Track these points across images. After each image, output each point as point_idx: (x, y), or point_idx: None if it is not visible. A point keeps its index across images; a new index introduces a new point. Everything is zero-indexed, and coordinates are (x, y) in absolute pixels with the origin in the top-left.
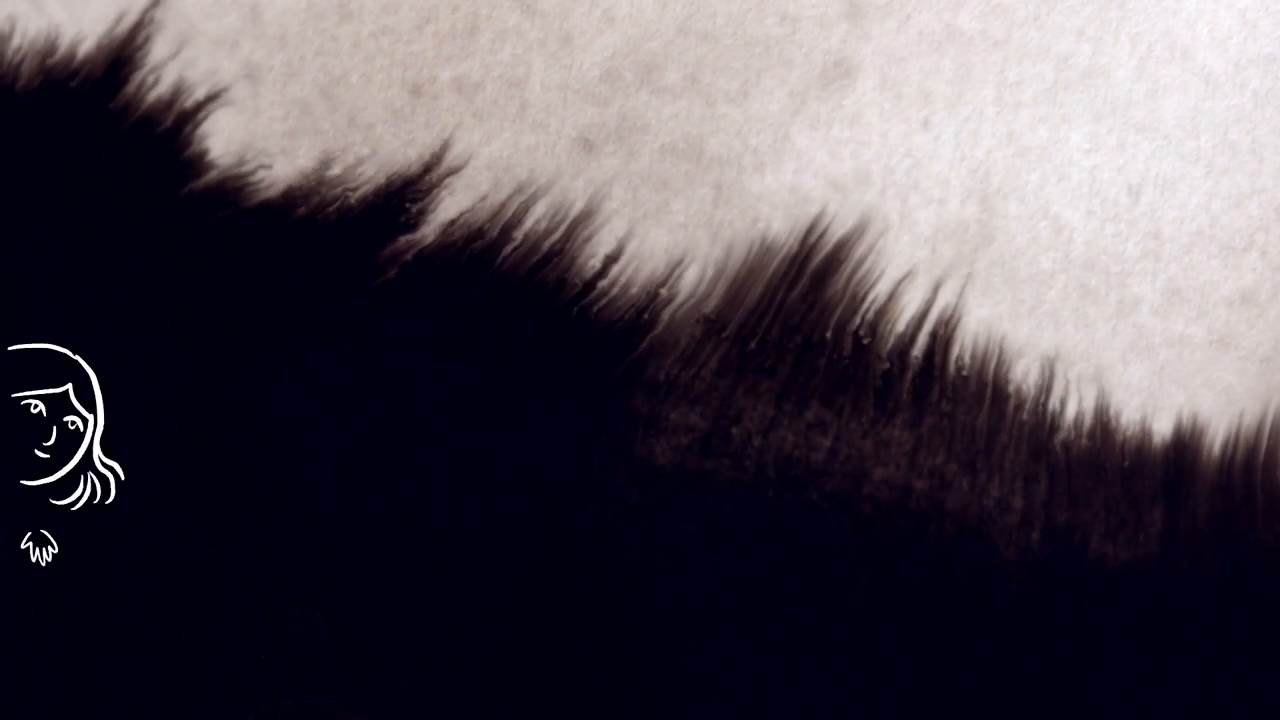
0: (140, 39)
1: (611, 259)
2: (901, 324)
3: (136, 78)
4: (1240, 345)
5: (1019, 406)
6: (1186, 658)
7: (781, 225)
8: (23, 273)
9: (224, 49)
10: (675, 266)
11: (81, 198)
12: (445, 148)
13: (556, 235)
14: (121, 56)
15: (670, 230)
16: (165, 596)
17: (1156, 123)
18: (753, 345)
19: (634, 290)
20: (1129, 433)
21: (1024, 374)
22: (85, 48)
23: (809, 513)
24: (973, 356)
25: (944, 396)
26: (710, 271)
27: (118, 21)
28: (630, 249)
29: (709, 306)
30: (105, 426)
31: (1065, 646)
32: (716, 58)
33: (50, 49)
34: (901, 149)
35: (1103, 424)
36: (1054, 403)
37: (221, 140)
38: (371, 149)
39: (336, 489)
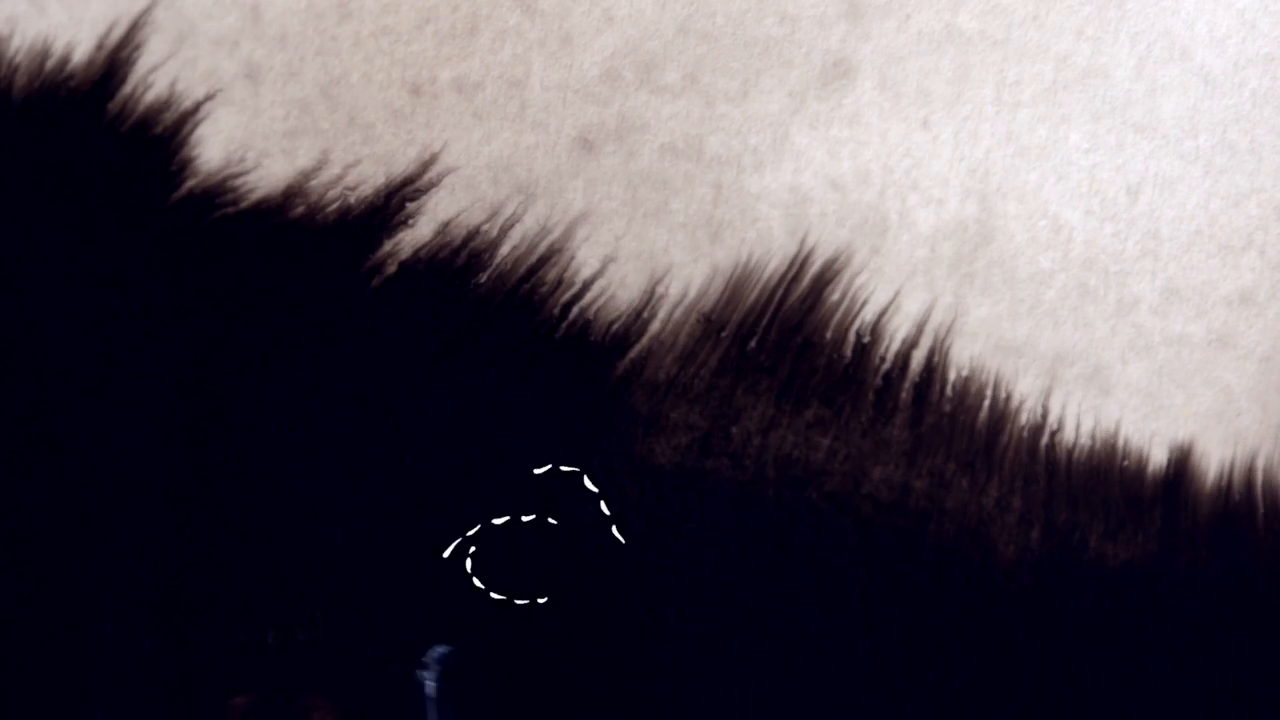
0: (132, 46)
1: (610, 259)
2: (902, 325)
3: (130, 83)
4: (1239, 344)
5: (1019, 407)
6: (1186, 658)
7: (781, 226)
8: (23, 273)
9: (224, 49)
10: (671, 268)
11: (81, 199)
12: (441, 150)
13: (554, 236)
14: (115, 62)
15: (670, 229)
16: (165, 596)
17: (1155, 122)
18: (752, 344)
19: (631, 291)
20: (1130, 442)
21: (1024, 375)
22: (79, 54)
23: (809, 513)
24: (972, 357)
25: (944, 397)
26: (710, 272)
27: (111, 28)
28: (628, 248)
29: (709, 306)
30: (105, 427)
31: (1065, 646)
32: (716, 58)
33: (45, 56)
34: (901, 148)
35: (1103, 431)
36: (1054, 405)
37: (221, 140)
38: (369, 149)
39: (336, 489)
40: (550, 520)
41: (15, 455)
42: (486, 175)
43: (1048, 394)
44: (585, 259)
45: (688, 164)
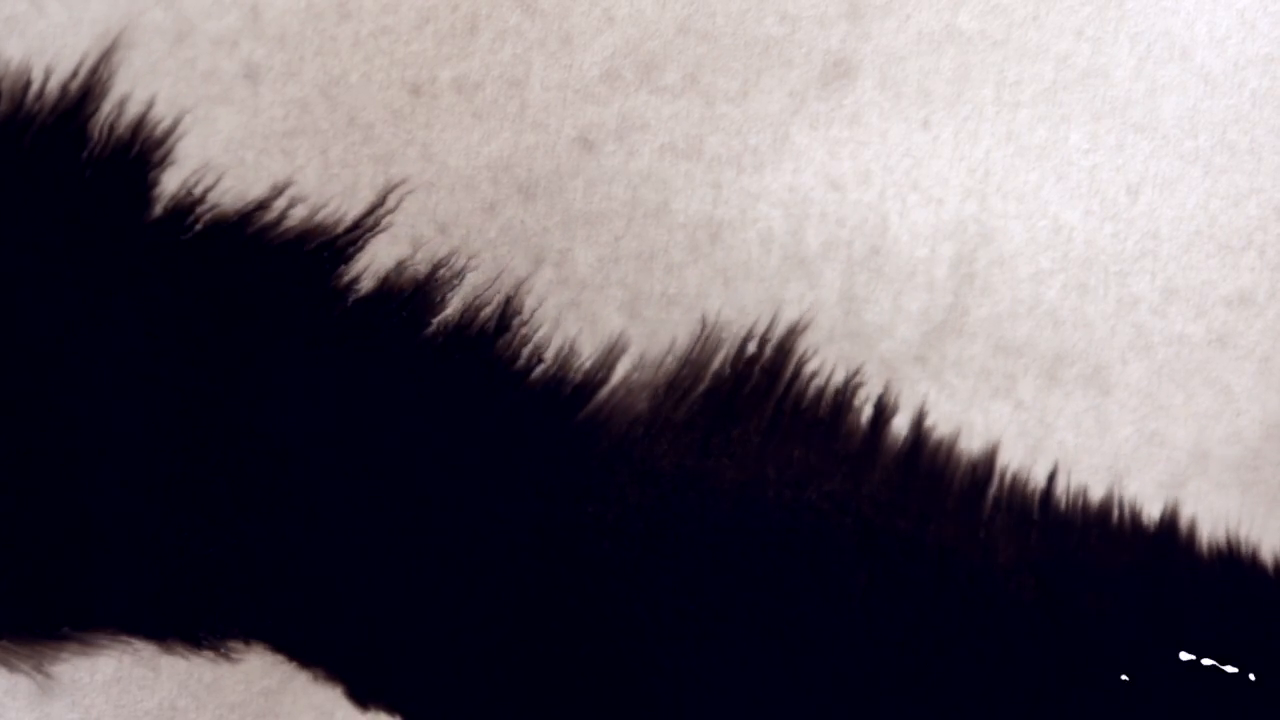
0: (130, 47)
1: (609, 259)
2: (902, 328)
3: (125, 86)
4: (1238, 344)
5: (1019, 408)
6: (1186, 657)
7: (782, 226)
8: (22, 275)
9: (224, 49)
10: (671, 269)
11: (78, 202)
12: (441, 150)
13: (552, 236)
14: (110, 66)
15: (670, 230)
16: (165, 596)
17: (1155, 122)
18: (752, 346)
19: (631, 292)
20: (1130, 443)
21: (1024, 376)
22: (73, 57)
23: (809, 513)
24: (972, 358)
25: (940, 396)
26: (710, 274)
27: (109, 30)
28: (628, 248)
29: (708, 307)
30: (104, 427)
31: (1065, 646)
32: (716, 57)
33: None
34: (901, 148)
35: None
36: (1053, 405)
37: (219, 141)
38: (369, 149)
39: (336, 489)
40: None
41: (15, 456)
42: (486, 175)
43: (1047, 394)
44: (584, 260)
45: (688, 164)
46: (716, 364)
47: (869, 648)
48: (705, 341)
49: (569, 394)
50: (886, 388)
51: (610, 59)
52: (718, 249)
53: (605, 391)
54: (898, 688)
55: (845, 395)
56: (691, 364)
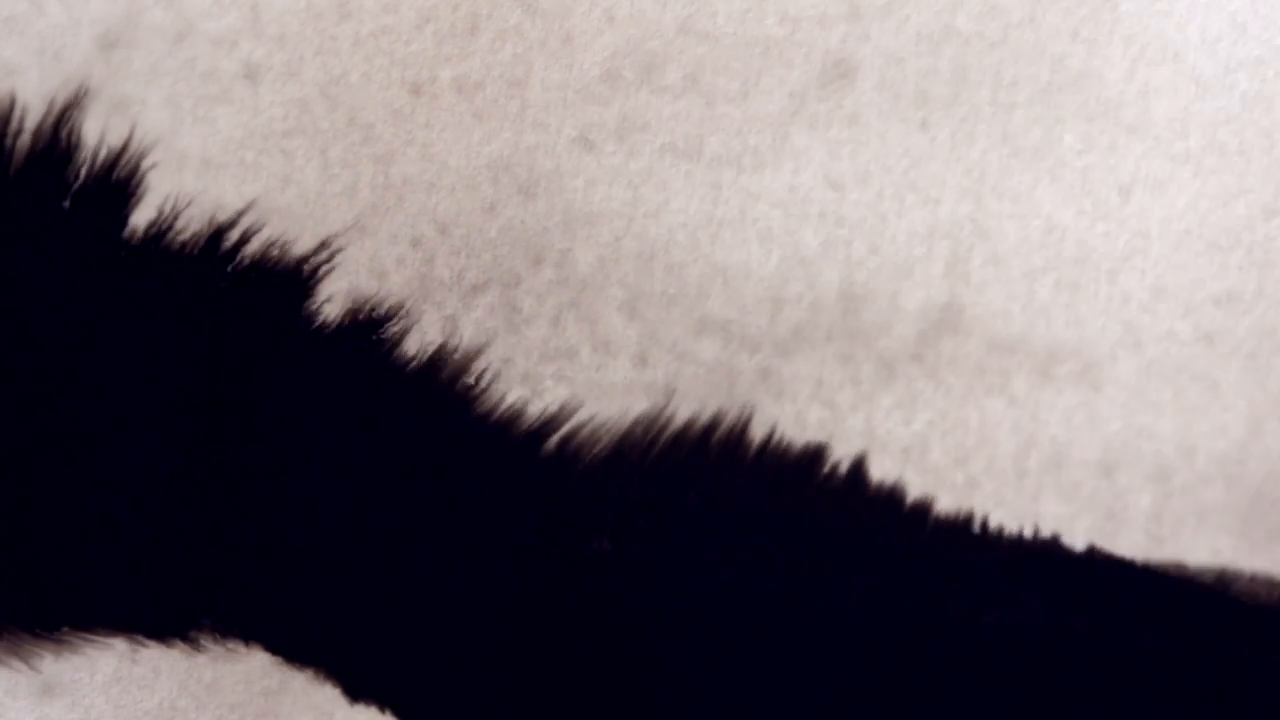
0: (129, 46)
1: (608, 259)
2: (900, 327)
3: (121, 88)
4: (1226, 342)
5: (1011, 402)
6: (1186, 656)
7: (781, 226)
8: (20, 273)
9: (224, 49)
10: (670, 269)
11: (75, 200)
12: (441, 151)
13: (551, 235)
14: (106, 69)
15: (670, 229)
16: (165, 596)
17: (1147, 124)
18: (752, 353)
19: (630, 291)
20: (1123, 439)
21: (1017, 373)
22: (72, 57)
23: (809, 512)
24: (967, 355)
25: (936, 394)
26: (709, 272)
27: (108, 30)
28: (628, 248)
29: (707, 306)
30: (104, 427)
31: (1066, 646)
32: (716, 58)
33: (42, 52)
34: (899, 149)
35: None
36: (1045, 401)
37: (220, 139)
38: (369, 149)
39: (336, 489)
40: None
41: (14, 457)
42: (486, 175)
43: (1039, 390)
44: (584, 260)
45: (688, 164)
46: (715, 362)
47: (869, 647)
48: (704, 339)
49: (569, 394)
50: (885, 389)
51: (611, 59)
52: (718, 249)
53: (605, 391)
54: (899, 687)
55: (845, 395)
56: (690, 361)
